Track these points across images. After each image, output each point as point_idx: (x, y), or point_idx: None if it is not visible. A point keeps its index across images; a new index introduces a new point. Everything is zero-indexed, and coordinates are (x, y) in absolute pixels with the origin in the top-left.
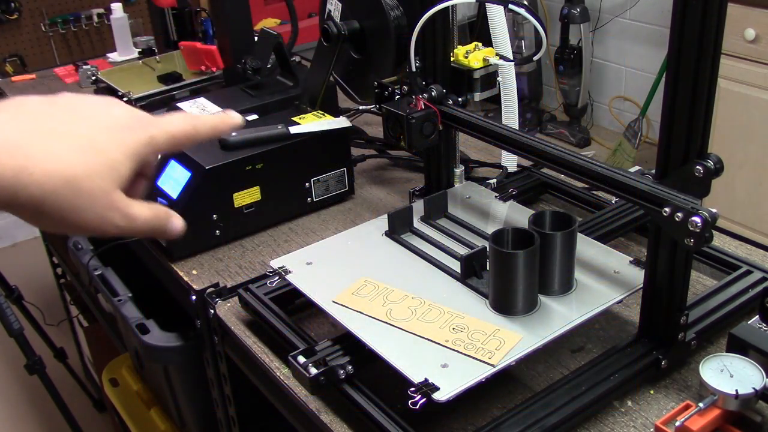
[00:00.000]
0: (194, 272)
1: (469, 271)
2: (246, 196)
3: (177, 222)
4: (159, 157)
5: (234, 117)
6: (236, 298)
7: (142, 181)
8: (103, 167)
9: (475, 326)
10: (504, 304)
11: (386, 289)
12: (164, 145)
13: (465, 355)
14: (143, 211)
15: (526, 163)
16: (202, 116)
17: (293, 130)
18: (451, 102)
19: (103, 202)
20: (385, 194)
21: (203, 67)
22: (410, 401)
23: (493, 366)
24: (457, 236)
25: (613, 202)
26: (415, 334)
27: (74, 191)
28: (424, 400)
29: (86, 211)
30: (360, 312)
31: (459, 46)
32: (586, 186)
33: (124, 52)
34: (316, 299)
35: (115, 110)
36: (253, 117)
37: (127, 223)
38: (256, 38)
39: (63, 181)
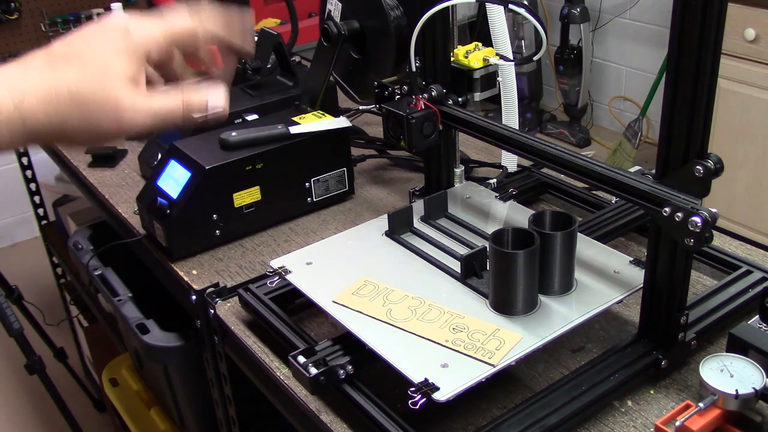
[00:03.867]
0: (194, 272)
1: (469, 271)
2: (246, 196)
3: (216, 98)
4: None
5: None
6: (236, 298)
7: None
8: (99, 74)
9: (475, 326)
10: (504, 304)
11: (386, 289)
12: (164, 39)
13: (465, 355)
14: (160, 105)
15: (526, 163)
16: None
17: (293, 130)
18: (451, 102)
19: (112, 106)
20: (385, 194)
21: (203, 67)
22: (410, 401)
23: (493, 366)
24: (457, 236)
25: (613, 202)
26: (415, 334)
27: (78, 105)
28: (424, 400)
29: (101, 120)
30: (360, 312)
31: (459, 46)
32: (586, 186)
33: None
34: (316, 299)
35: (107, 22)
36: (253, 117)
37: (150, 118)
38: (256, 38)
39: (65, 100)
